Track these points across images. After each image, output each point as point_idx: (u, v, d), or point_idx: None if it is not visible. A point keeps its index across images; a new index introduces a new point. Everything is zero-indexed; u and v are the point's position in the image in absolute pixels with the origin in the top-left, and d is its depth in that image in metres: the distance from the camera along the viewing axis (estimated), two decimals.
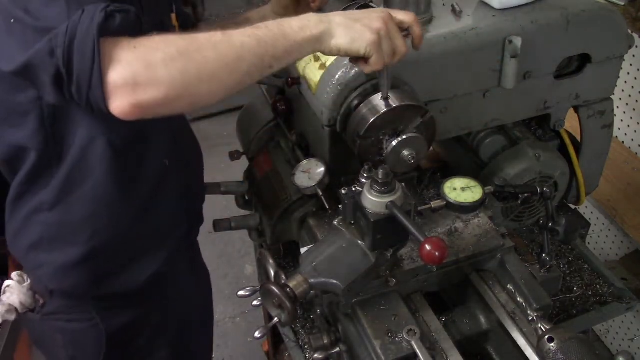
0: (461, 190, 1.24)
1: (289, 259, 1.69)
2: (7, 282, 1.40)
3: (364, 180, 1.15)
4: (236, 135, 1.83)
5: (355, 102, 1.29)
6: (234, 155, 1.77)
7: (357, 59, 1.16)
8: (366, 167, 1.17)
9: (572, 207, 1.77)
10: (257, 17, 1.47)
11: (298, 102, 1.52)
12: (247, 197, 1.67)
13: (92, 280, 1.32)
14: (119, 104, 0.98)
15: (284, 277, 1.15)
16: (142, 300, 1.41)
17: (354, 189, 1.14)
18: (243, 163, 1.78)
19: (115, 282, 1.34)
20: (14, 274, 1.40)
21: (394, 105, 1.23)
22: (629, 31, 1.48)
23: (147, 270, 1.36)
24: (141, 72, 0.97)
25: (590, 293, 1.60)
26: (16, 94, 1.13)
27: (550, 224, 1.38)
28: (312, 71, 1.37)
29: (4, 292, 1.39)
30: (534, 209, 1.57)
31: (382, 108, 1.23)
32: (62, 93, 0.99)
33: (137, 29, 1.01)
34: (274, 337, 1.94)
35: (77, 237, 1.27)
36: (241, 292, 1.28)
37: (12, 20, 0.98)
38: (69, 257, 1.27)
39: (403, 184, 1.12)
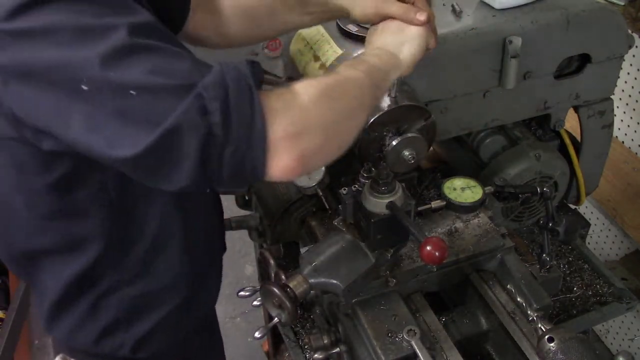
0: (461, 190, 1.24)
1: (288, 259, 1.69)
2: None
3: (364, 180, 1.15)
4: None
5: None
6: None
7: None
8: (366, 167, 1.17)
9: (572, 207, 1.77)
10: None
11: None
12: (247, 197, 1.67)
13: (177, 338, 1.28)
14: (283, 161, 0.85)
15: (284, 277, 1.15)
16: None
17: (354, 189, 1.14)
18: None
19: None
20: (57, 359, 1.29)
21: (402, 103, 1.24)
22: (629, 31, 1.48)
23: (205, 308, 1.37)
24: (300, 118, 0.86)
25: (590, 293, 1.60)
26: (72, 192, 1.04)
27: (550, 224, 1.38)
28: (312, 71, 1.37)
29: None
30: (534, 209, 1.57)
31: (390, 104, 1.24)
32: (204, 168, 0.83)
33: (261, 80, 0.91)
34: (274, 337, 1.94)
35: (163, 298, 1.21)
36: (241, 292, 1.28)
37: (121, 98, 0.81)
38: (153, 322, 1.22)
39: (403, 184, 1.12)
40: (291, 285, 1.10)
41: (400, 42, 1.12)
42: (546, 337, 1.10)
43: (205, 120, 0.81)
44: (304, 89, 0.90)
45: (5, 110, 0.90)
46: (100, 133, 0.82)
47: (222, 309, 3.00)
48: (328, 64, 1.33)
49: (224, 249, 1.44)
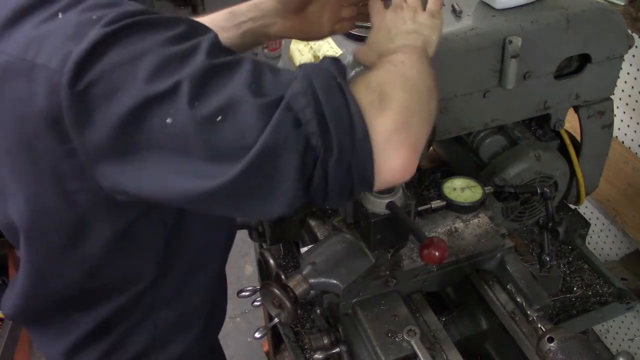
0: (461, 190, 1.24)
1: (288, 259, 1.69)
2: None
3: None
4: None
5: None
6: None
7: None
8: None
9: (572, 207, 1.77)
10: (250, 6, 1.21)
11: None
12: None
13: (200, 355, 1.25)
14: (398, 155, 0.78)
15: (284, 277, 1.15)
16: None
17: None
18: None
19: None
20: None
21: None
22: (629, 31, 1.48)
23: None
24: (402, 110, 0.79)
25: (590, 293, 1.60)
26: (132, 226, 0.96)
27: (550, 224, 1.38)
28: None
29: None
30: (534, 209, 1.57)
31: None
32: (306, 187, 0.77)
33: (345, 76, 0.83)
34: (274, 337, 1.94)
35: (195, 319, 1.19)
36: (241, 293, 1.28)
37: (208, 129, 0.73)
38: (186, 343, 1.18)
39: (403, 184, 1.12)
40: (291, 285, 1.10)
41: (431, 30, 1.05)
42: (546, 337, 1.10)
43: (300, 132, 0.73)
44: (388, 77, 0.84)
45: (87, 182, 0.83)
46: (188, 170, 0.75)
47: None
48: None
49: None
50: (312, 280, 1.12)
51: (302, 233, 1.45)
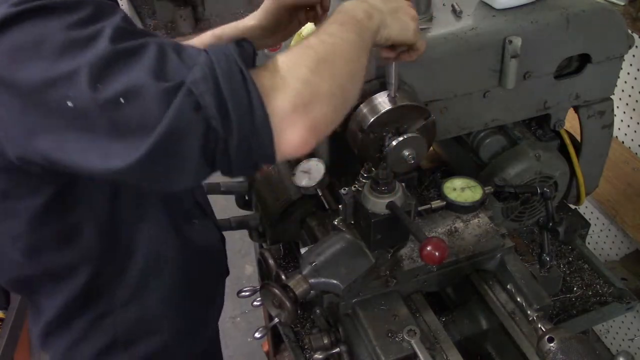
0: (461, 190, 1.24)
1: (288, 259, 1.69)
2: None
3: (364, 180, 1.15)
4: None
5: (356, 102, 1.29)
6: None
7: (391, 49, 1.11)
8: (366, 167, 1.17)
9: (572, 207, 1.77)
10: (237, 30, 1.28)
11: None
12: (247, 197, 1.67)
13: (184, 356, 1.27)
14: (294, 134, 0.83)
15: (284, 277, 1.15)
16: None
17: (354, 189, 1.14)
18: None
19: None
20: None
21: (403, 103, 1.24)
22: (629, 31, 1.48)
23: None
24: (301, 89, 0.83)
25: (590, 293, 1.60)
26: (58, 219, 1.00)
27: (550, 224, 1.38)
28: None
29: None
30: (534, 209, 1.57)
31: (390, 104, 1.23)
32: (209, 162, 0.82)
33: (253, 59, 0.88)
34: (274, 337, 1.94)
35: (160, 324, 1.19)
36: (241, 292, 1.28)
37: (111, 109, 0.77)
38: (153, 347, 1.20)
39: (403, 184, 1.12)
40: (291, 285, 1.10)
41: (391, 16, 1.04)
42: (546, 337, 1.10)
43: (201, 116, 0.78)
44: (302, 59, 0.87)
45: None
46: (95, 148, 0.79)
47: (222, 309, 3.00)
48: None
49: (226, 273, 1.42)
50: (312, 280, 1.12)
51: (302, 233, 1.45)
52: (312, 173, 1.39)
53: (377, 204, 1.10)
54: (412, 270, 1.26)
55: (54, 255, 1.05)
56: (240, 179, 1.69)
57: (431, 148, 1.76)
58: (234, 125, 0.79)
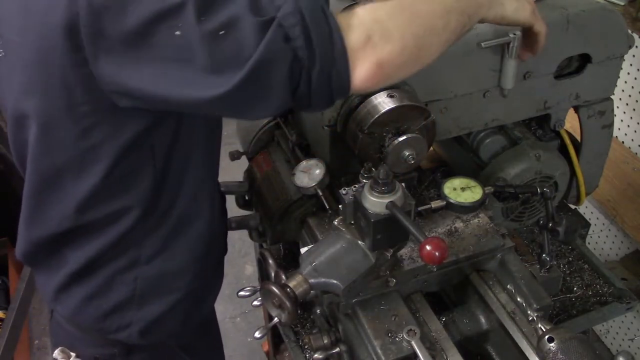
0: (461, 190, 1.24)
1: (288, 259, 1.69)
2: None
3: (364, 180, 1.15)
4: (236, 135, 1.83)
5: (356, 101, 1.29)
6: (234, 155, 1.77)
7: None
8: (366, 166, 1.17)
9: (572, 207, 1.77)
10: None
11: None
12: (247, 197, 1.67)
13: (182, 326, 1.29)
14: (364, 69, 0.92)
15: (284, 277, 1.15)
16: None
17: (353, 189, 1.14)
18: (243, 163, 1.78)
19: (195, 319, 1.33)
20: (56, 353, 1.27)
21: (402, 103, 1.24)
22: (629, 31, 1.48)
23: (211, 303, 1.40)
24: (374, 29, 0.92)
25: (590, 293, 1.60)
26: (127, 159, 1.05)
27: (550, 224, 1.37)
28: None
29: None
30: (534, 209, 1.57)
31: (390, 104, 1.24)
32: (292, 91, 0.91)
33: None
34: (274, 337, 1.94)
35: (177, 283, 1.23)
36: (241, 292, 1.28)
37: (212, 41, 0.86)
38: (164, 307, 1.23)
39: (403, 184, 1.12)
40: (291, 285, 1.10)
41: None
42: (546, 337, 1.10)
43: (290, 46, 0.87)
44: (381, 4, 0.94)
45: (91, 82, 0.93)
46: (192, 79, 0.88)
47: (222, 309, 3.00)
48: None
49: (225, 250, 1.45)
50: (312, 280, 1.12)
51: (302, 233, 1.45)
52: (312, 173, 1.39)
53: (377, 204, 1.09)
54: (412, 270, 1.26)
55: (108, 204, 1.10)
56: (240, 179, 1.70)
57: (431, 148, 1.77)
58: (317, 55, 0.88)
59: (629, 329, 2.42)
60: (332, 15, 0.90)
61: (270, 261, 1.28)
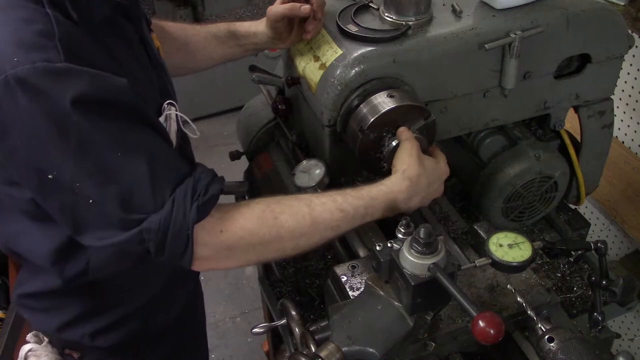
0: (508, 247, 1.13)
1: (306, 307, 1.51)
2: (26, 347, 1.31)
3: (401, 236, 1.07)
4: (236, 135, 1.83)
5: (356, 102, 1.29)
6: (234, 155, 1.77)
7: None
8: (404, 221, 1.08)
9: (572, 207, 1.77)
10: (249, 32, 1.52)
11: (298, 102, 1.52)
12: (247, 197, 1.67)
13: (144, 327, 1.39)
14: (200, 268, 1.12)
15: (312, 345, 1.07)
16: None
17: (389, 245, 1.05)
18: (243, 163, 1.78)
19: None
20: (29, 336, 1.33)
21: (402, 103, 1.23)
22: (629, 31, 1.48)
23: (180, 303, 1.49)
24: (223, 255, 1.12)
25: (590, 293, 1.59)
26: None
27: (604, 282, 1.26)
28: (312, 71, 1.37)
29: (27, 358, 1.30)
30: (534, 208, 1.57)
31: (390, 104, 1.23)
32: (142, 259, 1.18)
33: (219, 194, 1.10)
34: (274, 337, 1.94)
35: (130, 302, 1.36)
36: (255, 330, 1.21)
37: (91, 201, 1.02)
38: (116, 317, 1.34)
39: (441, 237, 1.03)
40: (323, 355, 1.01)
41: (416, 193, 1.21)
42: (546, 337, 1.09)
43: (142, 247, 1.04)
44: (249, 235, 1.10)
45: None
46: (74, 219, 1.04)
47: (222, 309, 3.01)
48: (328, 64, 1.33)
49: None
50: (345, 349, 1.02)
51: (328, 284, 1.29)
52: (312, 173, 1.39)
53: (418, 266, 1.00)
54: (452, 332, 1.17)
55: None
56: (240, 179, 1.69)
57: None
58: (165, 257, 1.07)
59: (629, 329, 2.42)
60: (192, 245, 1.06)
61: (293, 313, 1.17)
